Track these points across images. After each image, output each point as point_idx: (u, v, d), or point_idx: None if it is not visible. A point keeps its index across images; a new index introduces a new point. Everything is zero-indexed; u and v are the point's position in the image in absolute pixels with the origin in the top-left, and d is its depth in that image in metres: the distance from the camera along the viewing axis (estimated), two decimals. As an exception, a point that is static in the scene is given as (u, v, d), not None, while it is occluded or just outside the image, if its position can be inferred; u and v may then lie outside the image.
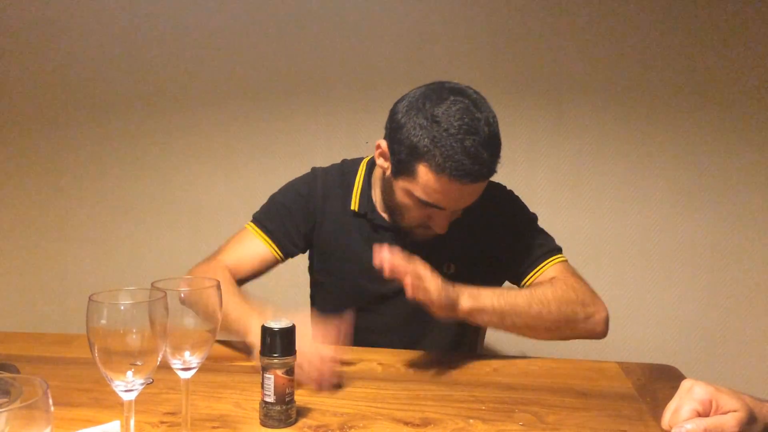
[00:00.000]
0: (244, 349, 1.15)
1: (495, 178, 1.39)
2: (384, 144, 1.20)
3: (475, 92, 1.16)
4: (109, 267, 2.37)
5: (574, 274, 1.26)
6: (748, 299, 2.07)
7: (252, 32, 2.21)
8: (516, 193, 1.39)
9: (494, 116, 1.14)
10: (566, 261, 1.29)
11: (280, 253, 1.34)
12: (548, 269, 1.26)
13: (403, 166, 1.15)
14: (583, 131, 2.10)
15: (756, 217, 2.05)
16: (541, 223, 1.35)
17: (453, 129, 1.08)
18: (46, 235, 2.41)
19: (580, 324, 1.18)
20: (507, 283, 1.34)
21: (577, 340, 1.24)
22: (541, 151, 2.12)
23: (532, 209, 1.37)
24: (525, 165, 2.11)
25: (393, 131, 1.16)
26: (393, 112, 1.18)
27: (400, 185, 1.18)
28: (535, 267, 1.27)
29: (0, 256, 2.44)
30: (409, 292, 1.04)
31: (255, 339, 1.07)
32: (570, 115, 2.10)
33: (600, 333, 1.21)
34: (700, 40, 2.03)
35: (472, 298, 1.10)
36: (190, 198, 2.31)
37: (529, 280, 1.28)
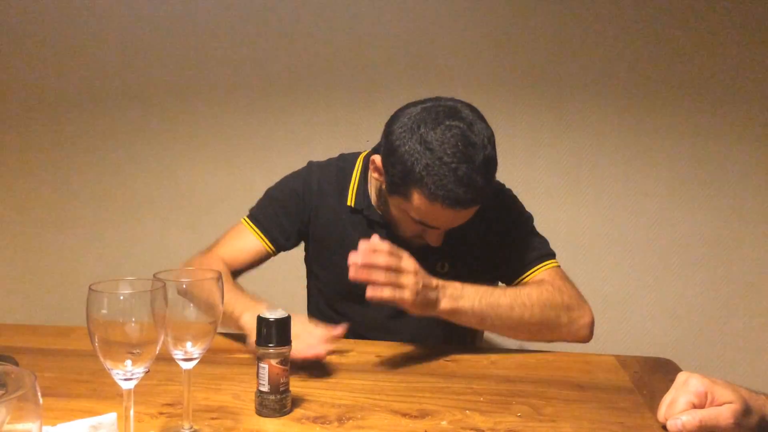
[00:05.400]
0: (239, 337, 1.16)
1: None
2: (378, 160, 1.20)
3: (472, 111, 1.14)
4: (108, 260, 2.37)
5: (564, 278, 1.26)
6: (744, 293, 2.08)
7: (251, 27, 2.21)
8: (516, 188, 1.39)
9: (490, 136, 1.13)
10: (558, 266, 1.29)
11: (272, 247, 1.36)
12: (539, 273, 1.26)
13: (396, 188, 1.15)
14: (583, 126, 2.10)
15: (754, 212, 2.06)
16: (540, 218, 1.35)
17: (447, 157, 1.07)
18: (44, 229, 2.41)
19: (563, 328, 1.19)
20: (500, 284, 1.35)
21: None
22: (541, 146, 2.12)
23: (531, 205, 1.37)
24: (525, 160, 2.11)
25: (388, 152, 1.15)
26: (388, 132, 1.16)
27: (394, 203, 1.19)
28: (527, 270, 1.27)
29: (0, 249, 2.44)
30: (369, 292, 1.03)
31: (247, 324, 1.09)
32: (570, 111, 2.10)
33: (584, 337, 1.21)
34: (699, 35, 2.03)
35: (452, 300, 1.10)
36: (189, 192, 2.31)
37: (518, 282, 1.28)
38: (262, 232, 1.35)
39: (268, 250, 1.35)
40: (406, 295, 1.04)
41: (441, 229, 1.20)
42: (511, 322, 1.14)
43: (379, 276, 1.03)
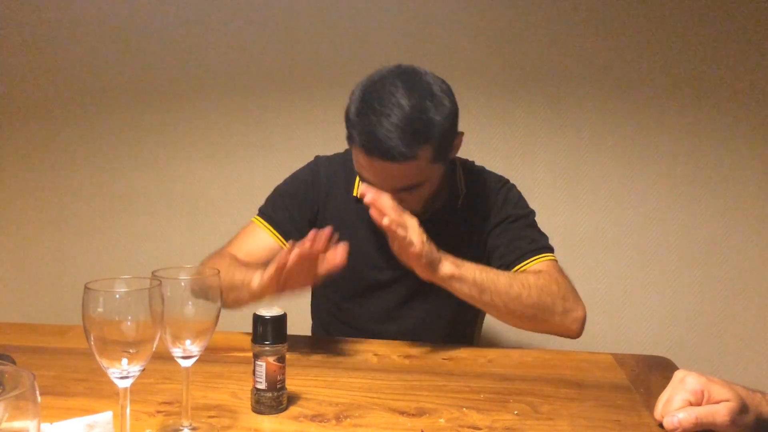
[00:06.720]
0: (237, 334, 1.19)
1: (494, 171, 1.41)
2: None
3: (436, 82, 1.17)
4: (106, 259, 2.36)
5: (561, 272, 1.26)
6: (741, 292, 2.08)
7: (250, 25, 2.20)
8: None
9: (440, 106, 1.14)
10: (556, 261, 1.29)
11: (285, 241, 1.34)
12: (536, 264, 1.26)
13: (347, 135, 1.20)
14: (581, 126, 2.10)
15: (752, 212, 2.06)
16: (538, 218, 1.35)
17: (375, 105, 1.11)
18: (41, 227, 2.40)
19: (557, 317, 1.18)
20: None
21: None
22: (539, 146, 2.11)
23: (529, 203, 1.37)
24: (522, 159, 2.11)
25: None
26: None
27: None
28: (524, 260, 1.27)
29: (-5, 247, 2.44)
30: (380, 218, 1.08)
31: (257, 279, 1.11)
32: (567, 110, 2.10)
33: (574, 332, 1.21)
34: (697, 34, 2.03)
35: (454, 265, 1.12)
36: (188, 191, 2.31)
37: (515, 271, 1.28)
38: (273, 227, 1.34)
39: (282, 245, 1.34)
40: (414, 237, 1.07)
41: (414, 195, 1.20)
42: (509, 299, 1.15)
43: (387, 210, 1.08)
